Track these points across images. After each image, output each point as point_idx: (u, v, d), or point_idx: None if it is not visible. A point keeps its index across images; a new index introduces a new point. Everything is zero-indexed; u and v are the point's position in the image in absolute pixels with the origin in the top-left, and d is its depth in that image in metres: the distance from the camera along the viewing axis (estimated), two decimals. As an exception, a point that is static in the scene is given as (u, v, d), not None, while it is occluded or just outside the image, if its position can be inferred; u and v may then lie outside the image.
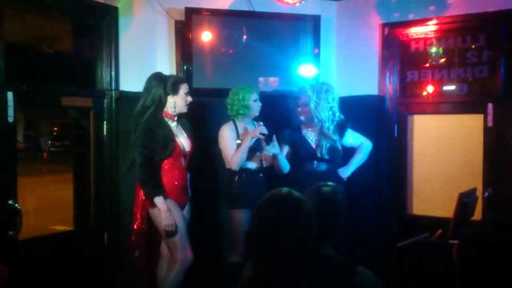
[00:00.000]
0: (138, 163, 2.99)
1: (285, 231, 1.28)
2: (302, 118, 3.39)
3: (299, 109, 3.38)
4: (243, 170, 3.28)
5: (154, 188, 2.98)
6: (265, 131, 3.16)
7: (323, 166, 3.34)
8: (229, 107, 3.37)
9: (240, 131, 3.36)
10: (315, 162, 3.33)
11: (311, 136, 3.39)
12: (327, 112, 3.32)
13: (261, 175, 3.36)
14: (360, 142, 3.47)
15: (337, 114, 3.37)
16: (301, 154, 3.35)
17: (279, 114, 3.71)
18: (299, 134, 3.41)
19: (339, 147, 3.38)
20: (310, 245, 1.31)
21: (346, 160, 3.47)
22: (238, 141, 3.30)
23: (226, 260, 3.32)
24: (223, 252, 3.47)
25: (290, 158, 3.39)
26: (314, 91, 3.32)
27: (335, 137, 3.34)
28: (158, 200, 2.96)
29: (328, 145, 3.31)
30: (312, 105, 3.30)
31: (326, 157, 3.30)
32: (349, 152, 3.50)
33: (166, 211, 2.96)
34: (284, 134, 3.41)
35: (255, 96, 3.37)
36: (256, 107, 3.36)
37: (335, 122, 3.36)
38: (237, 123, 3.37)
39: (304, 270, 1.31)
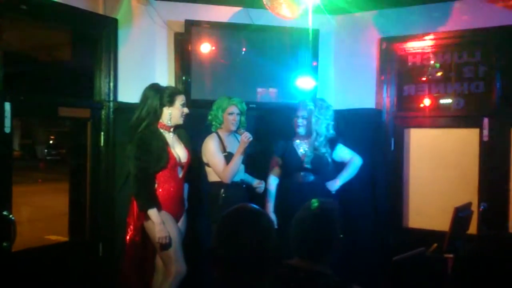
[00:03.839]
0: (132, 175, 2.97)
1: (241, 244, 1.33)
2: (300, 130, 3.42)
3: (299, 121, 3.40)
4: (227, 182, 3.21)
5: (147, 200, 2.96)
6: (250, 136, 3.11)
7: (310, 177, 3.38)
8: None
9: (225, 143, 3.30)
10: (302, 172, 3.37)
11: (301, 147, 3.44)
12: (325, 128, 3.39)
13: (243, 186, 3.33)
14: (350, 157, 3.47)
15: (331, 131, 3.43)
16: (288, 164, 3.41)
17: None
18: (290, 144, 3.46)
19: (328, 159, 3.40)
20: (267, 258, 1.34)
21: (337, 174, 3.46)
22: (225, 153, 3.24)
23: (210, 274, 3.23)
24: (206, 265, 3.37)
25: (281, 168, 3.46)
26: (316, 106, 3.40)
27: (324, 150, 3.38)
28: (152, 213, 2.94)
29: (312, 156, 3.35)
30: (313, 119, 3.37)
31: (309, 166, 3.34)
32: (341, 167, 3.48)
33: (160, 224, 2.93)
34: (277, 145, 3.48)
35: (232, 109, 3.28)
36: (230, 120, 3.26)
37: (328, 137, 3.41)
38: (220, 135, 3.32)
39: (264, 281, 1.34)
